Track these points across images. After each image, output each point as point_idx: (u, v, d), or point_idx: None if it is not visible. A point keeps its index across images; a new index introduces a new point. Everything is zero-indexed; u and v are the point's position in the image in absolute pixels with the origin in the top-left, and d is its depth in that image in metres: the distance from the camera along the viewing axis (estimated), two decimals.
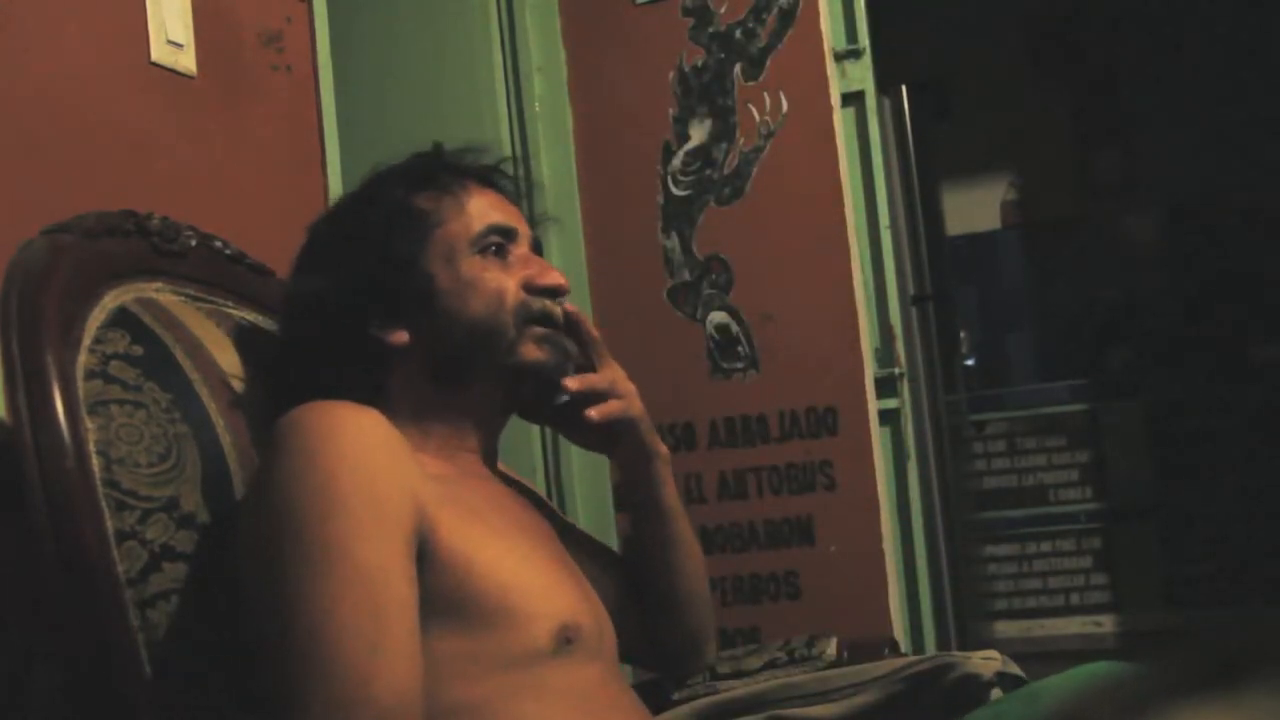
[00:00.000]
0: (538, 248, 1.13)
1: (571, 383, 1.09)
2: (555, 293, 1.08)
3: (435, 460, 1.02)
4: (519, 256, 1.09)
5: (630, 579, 1.22)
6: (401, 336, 1.04)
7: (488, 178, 1.12)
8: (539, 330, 1.07)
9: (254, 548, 0.88)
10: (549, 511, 1.20)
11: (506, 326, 1.05)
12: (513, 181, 1.15)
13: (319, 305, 1.04)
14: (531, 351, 1.06)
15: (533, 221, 1.15)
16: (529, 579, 0.97)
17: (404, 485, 0.89)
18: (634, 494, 1.19)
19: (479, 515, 0.98)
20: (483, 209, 1.08)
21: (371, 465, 0.88)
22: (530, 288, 1.07)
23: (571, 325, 1.11)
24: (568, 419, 1.14)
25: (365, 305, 1.03)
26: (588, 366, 1.14)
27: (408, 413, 1.04)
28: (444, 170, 1.10)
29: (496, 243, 1.07)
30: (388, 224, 1.05)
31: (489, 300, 1.04)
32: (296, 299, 1.07)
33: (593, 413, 1.10)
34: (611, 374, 1.14)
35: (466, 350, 1.04)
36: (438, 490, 0.93)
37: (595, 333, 1.14)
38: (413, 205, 1.06)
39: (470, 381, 1.06)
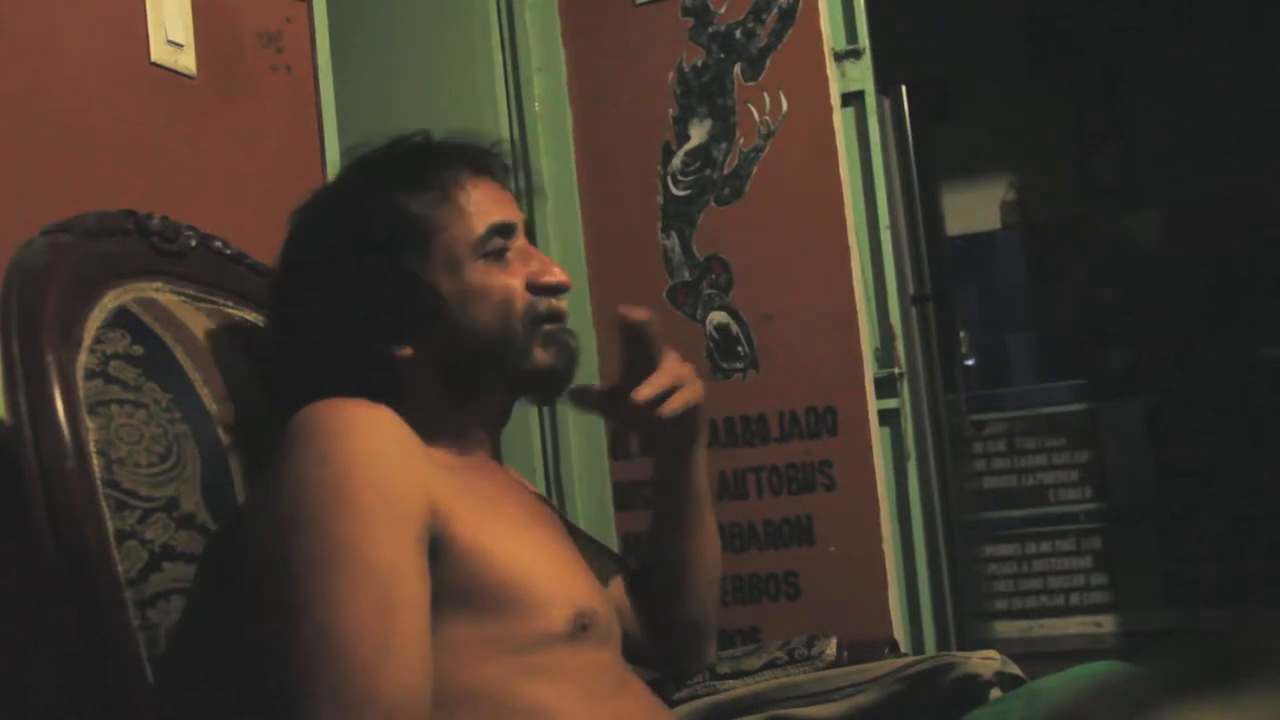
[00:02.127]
0: (529, 229, 1.11)
1: (645, 391, 1.08)
2: (559, 289, 1.07)
3: (446, 455, 1.02)
4: (518, 250, 1.06)
5: (632, 578, 1.22)
6: (407, 351, 1.01)
7: (480, 164, 1.08)
8: (547, 329, 1.05)
9: (263, 545, 0.88)
10: (552, 507, 1.21)
11: (517, 334, 1.03)
12: (501, 160, 1.10)
13: (321, 326, 1.01)
14: (542, 356, 1.05)
15: (518, 195, 1.11)
16: (545, 566, 0.98)
17: (417, 482, 0.89)
18: (671, 476, 1.19)
19: (494, 504, 0.99)
20: (481, 207, 1.04)
21: (384, 464, 0.88)
22: (535, 287, 1.05)
23: (632, 331, 1.09)
24: (611, 405, 1.12)
25: (369, 324, 1.00)
26: (644, 362, 1.11)
27: (415, 414, 1.03)
28: (434, 162, 1.05)
29: (499, 245, 1.04)
30: (388, 237, 1.01)
31: (498, 307, 1.02)
32: (294, 318, 1.03)
33: (664, 411, 1.09)
34: (673, 366, 1.12)
35: (478, 360, 1.03)
36: (452, 482, 0.94)
37: (653, 329, 1.11)
38: (411, 213, 1.01)
39: (480, 388, 1.05)
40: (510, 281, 1.04)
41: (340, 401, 0.91)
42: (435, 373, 1.03)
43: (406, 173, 1.04)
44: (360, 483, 0.86)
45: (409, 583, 0.85)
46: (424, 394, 1.03)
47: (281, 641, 0.83)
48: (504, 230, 1.04)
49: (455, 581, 0.90)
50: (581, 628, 0.95)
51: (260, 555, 0.88)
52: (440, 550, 0.89)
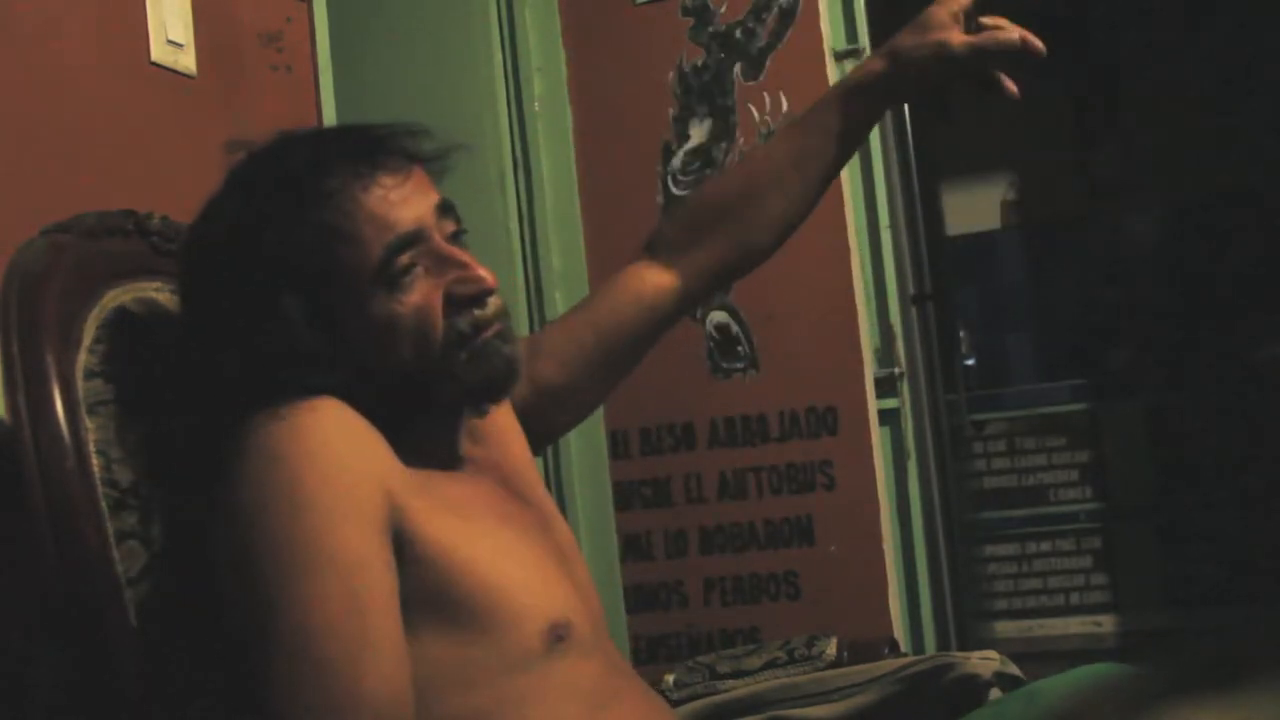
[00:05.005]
0: (448, 208, 0.97)
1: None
2: (481, 298, 0.95)
3: (403, 460, 0.94)
4: (431, 256, 0.94)
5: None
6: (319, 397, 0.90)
7: (375, 157, 0.94)
8: (472, 346, 0.95)
9: (226, 552, 0.86)
10: (526, 486, 1.11)
11: (436, 361, 0.94)
12: (399, 138, 0.97)
13: (226, 370, 0.93)
14: (469, 376, 0.96)
15: (435, 160, 0.99)
16: (511, 575, 0.93)
17: (373, 473, 0.87)
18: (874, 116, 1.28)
19: (454, 508, 0.94)
20: (377, 223, 0.91)
21: (338, 457, 0.85)
22: (454, 301, 0.94)
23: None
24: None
25: (268, 372, 0.91)
26: None
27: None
28: (317, 178, 0.92)
29: (403, 265, 0.92)
30: (274, 287, 0.91)
31: (411, 338, 0.93)
32: (202, 355, 0.95)
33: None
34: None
35: (402, 393, 0.95)
36: (410, 479, 0.90)
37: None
38: (297, 256, 0.91)
39: (411, 409, 0.97)
40: (422, 305, 0.93)
41: (289, 401, 0.88)
42: (360, 397, 0.92)
43: (285, 203, 0.92)
44: (315, 479, 0.84)
45: (376, 574, 0.84)
46: (364, 409, 0.92)
47: (259, 647, 0.82)
48: (406, 243, 0.92)
49: (420, 590, 0.87)
50: (558, 639, 0.92)
51: (225, 563, 0.87)
52: (401, 549, 0.87)
